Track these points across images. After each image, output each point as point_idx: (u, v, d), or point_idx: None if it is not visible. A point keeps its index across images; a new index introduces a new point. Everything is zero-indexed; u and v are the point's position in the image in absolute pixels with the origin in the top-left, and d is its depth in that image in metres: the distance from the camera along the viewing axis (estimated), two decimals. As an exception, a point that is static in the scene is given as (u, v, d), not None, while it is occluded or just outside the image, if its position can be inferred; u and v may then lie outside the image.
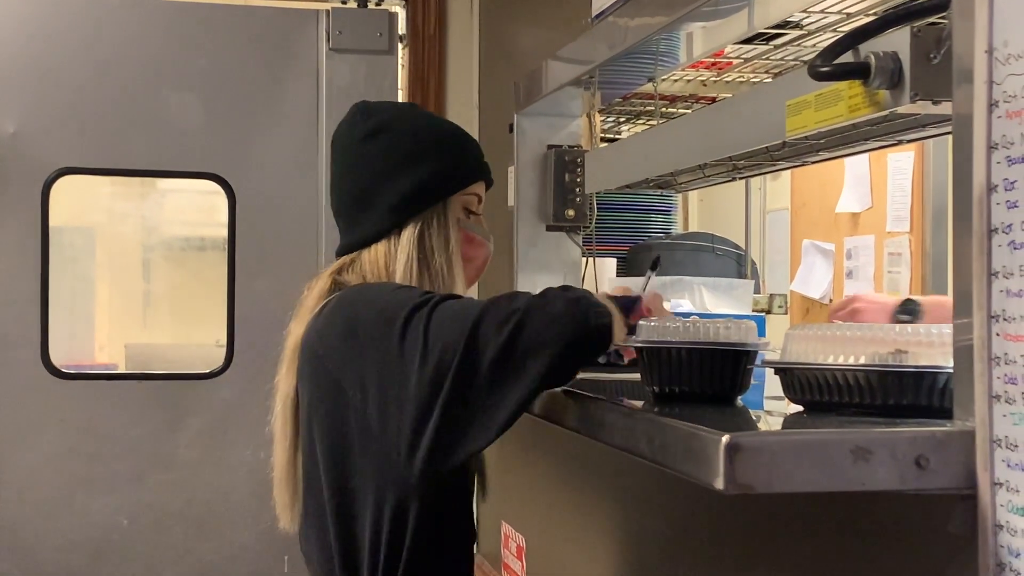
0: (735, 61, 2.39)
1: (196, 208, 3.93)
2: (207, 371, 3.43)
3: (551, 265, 2.92)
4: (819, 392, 1.17)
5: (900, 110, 1.32)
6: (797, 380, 1.20)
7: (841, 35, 1.40)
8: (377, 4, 3.57)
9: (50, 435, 3.32)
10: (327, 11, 3.46)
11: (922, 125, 1.58)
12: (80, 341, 3.79)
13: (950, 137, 1.10)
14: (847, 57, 1.35)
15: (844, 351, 1.16)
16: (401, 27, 3.61)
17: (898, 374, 1.12)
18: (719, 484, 1.00)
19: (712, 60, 2.40)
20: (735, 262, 3.18)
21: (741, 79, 2.55)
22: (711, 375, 1.31)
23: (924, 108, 1.30)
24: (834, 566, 1.39)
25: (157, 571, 3.40)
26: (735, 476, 1.00)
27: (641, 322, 1.40)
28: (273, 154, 3.43)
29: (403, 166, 1.75)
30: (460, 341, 1.42)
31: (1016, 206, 0.98)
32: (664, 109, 2.79)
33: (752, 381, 1.38)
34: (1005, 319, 1.00)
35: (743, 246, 3.86)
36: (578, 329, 1.41)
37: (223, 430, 3.41)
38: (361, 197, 1.76)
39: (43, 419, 3.32)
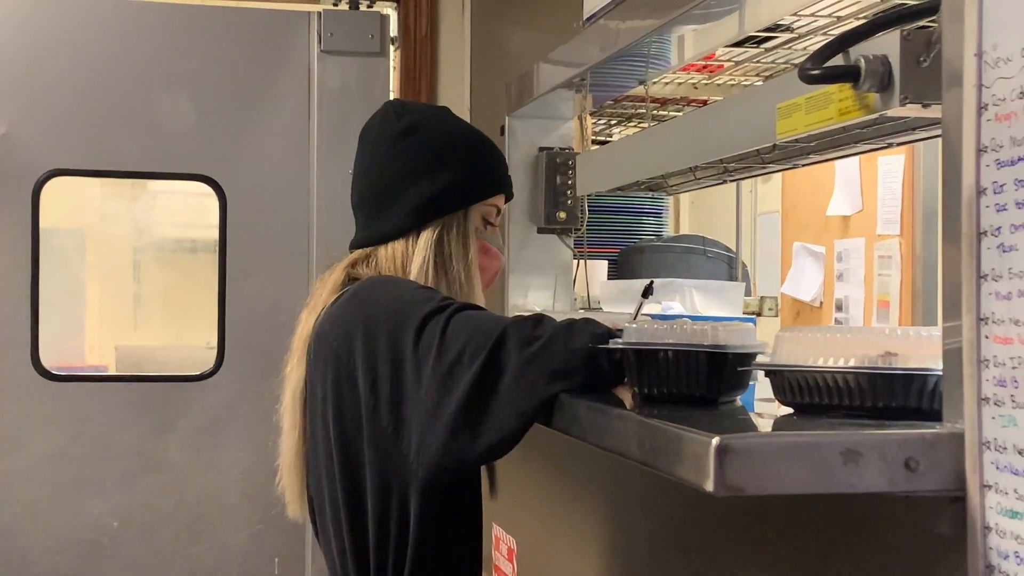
0: (726, 64, 2.39)
1: (187, 210, 3.92)
2: (198, 373, 3.43)
3: (542, 267, 2.92)
4: (809, 394, 1.17)
5: (890, 113, 1.33)
6: (787, 382, 1.20)
7: (831, 38, 1.41)
8: (369, 6, 3.57)
9: (40, 437, 3.32)
10: (318, 13, 3.46)
11: (912, 128, 1.59)
12: (70, 343, 3.78)
13: (940, 140, 1.10)
14: (837, 60, 1.35)
15: (834, 353, 1.16)
16: (393, 29, 3.61)
17: (888, 376, 1.13)
18: (709, 486, 1.00)
19: (703, 63, 2.40)
20: (726, 264, 3.19)
21: (732, 82, 2.56)
22: (696, 377, 1.31)
23: (914, 111, 1.31)
24: (824, 568, 1.40)
25: (148, 573, 3.39)
26: (725, 478, 1.00)
27: (627, 324, 1.41)
28: (264, 156, 3.43)
29: (430, 169, 1.76)
30: (480, 353, 1.43)
31: (1005, 209, 0.99)
32: (655, 112, 2.80)
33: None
34: (994, 322, 1.00)
35: (734, 249, 3.86)
36: (595, 369, 1.41)
37: (214, 432, 3.41)
38: (384, 194, 1.77)
39: (33, 421, 3.31)
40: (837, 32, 1.86)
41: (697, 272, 2.98)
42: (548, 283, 2.90)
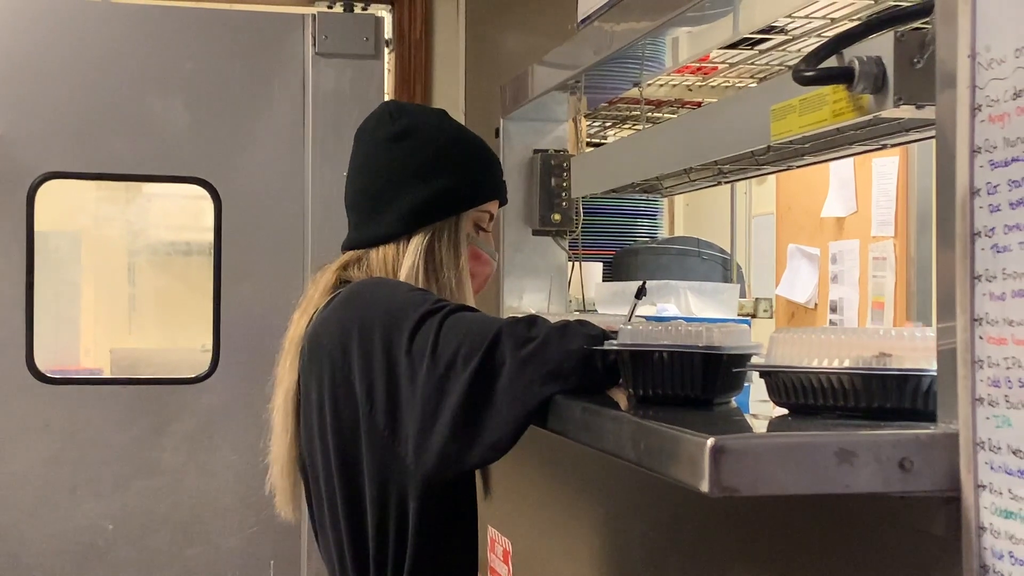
0: (720, 66, 2.40)
1: (182, 212, 3.92)
2: (193, 376, 3.43)
3: (537, 269, 2.92)
4: (804, 395, 1.18)
5: (884, 114, 1.33)
6: (782, 383, 1.20)
7: (825, 40, 1.41)
8: (363, 8, 3.57)
9: (35, 440, 3.31)
10: (313, 15, 3.46)
11: (906, 129, 1.59)
12: (65, 346, 3.78)
13: (934, 141, 1.10)
14: (831, 62, 1.36)
15: (828, 354, 1.16)
16: (387, 31, 3.61)
17: (882, 377, 1.13)
18: (704, 487, 1.00)
19: (697, 65, 2.41)
20: (721, 266, 3.19)
21: (726, 84, 2.56)
22: (691, 378, 1.31)
23: (908, 112, 1.31)
24: (819, 569, 1.40)
25: (143, 576, 3.39)
26: (720, 479, 1.00)
27: (621, 326, 1.41)
28: (259, 158, 3.43)
29: (424, 174, 1.75)
30: (475, 354, 1.42)
31: (999, 210, 0.99)
32: (650, 114, 2.80)
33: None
34: (988, 322, 1.00)
35: (729, 250, 3.86)
36: (590, 370, 1.41)
37: (209, 435, 3.41)
38: (377, 197, 1.76)
39: (28, 424, 3.31)
40: (831, 34, 1.87)
41: (692, 274, 2.99)
42: (543, 285, 2.90)
